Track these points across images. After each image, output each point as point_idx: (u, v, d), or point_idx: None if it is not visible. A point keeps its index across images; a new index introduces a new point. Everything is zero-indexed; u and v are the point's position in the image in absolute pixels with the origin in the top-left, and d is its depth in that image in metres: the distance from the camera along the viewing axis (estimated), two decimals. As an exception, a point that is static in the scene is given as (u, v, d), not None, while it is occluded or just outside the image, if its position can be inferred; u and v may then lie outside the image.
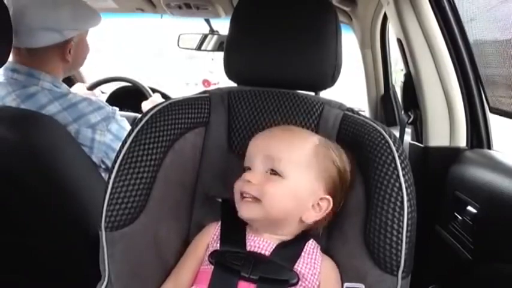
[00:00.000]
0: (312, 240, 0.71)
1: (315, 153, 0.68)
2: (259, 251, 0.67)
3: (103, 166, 1.08)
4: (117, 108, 1.12)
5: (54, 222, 0.94)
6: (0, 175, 0.87)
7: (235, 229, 0.69)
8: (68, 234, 0.96)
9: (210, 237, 0.71)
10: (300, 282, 0.65)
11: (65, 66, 1.10)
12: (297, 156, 0.68)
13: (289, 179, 0.66)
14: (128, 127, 1.12)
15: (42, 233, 0.95)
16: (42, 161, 0.90)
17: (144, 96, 1.81)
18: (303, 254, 0.68)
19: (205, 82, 3.56)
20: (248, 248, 0.68)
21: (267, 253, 0.67)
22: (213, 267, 0.66)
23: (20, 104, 1.00)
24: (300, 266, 0.66)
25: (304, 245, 0.69)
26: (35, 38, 1.00)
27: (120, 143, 1.06)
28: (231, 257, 0.66)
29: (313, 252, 0.69)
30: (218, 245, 0.69)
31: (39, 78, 1.04)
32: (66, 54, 1.08)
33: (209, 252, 0.68)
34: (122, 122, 1.10)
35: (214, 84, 3.40)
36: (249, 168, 0.69)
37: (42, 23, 1.00)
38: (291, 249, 0.68)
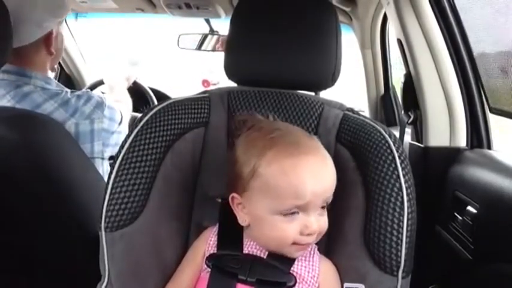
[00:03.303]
0: None
1: None
2: (256, 254, 0.67)
3: (101, 155, 1.10)
4: (104, 96, 1.15)
5: (54, 222, 0.94)
6: None
7: (232, 232, 0.69)
8: (68, 234, 0.96)
9: (206, 243, 0.70)
10: (298, 285, 0.65)
11: (51, 59, 1.12)
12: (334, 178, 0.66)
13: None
14: (115, 106, 1.15)
15: (41, 233, 0.95)
16: (42, 161, 0.90)
17: (144, 97, 1.81)
18: (299, 256, 0.67)
19: (205, 82, 3.55)
20: (245, 251, 0.68)
21: (264, 255, 0.67)
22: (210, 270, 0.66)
23: (16, 104, 1.01)
24: (297, 268, 0.66)
25: None
26: (17, 35, 0.99)
27: (115, 124, 1.11)
28: (228, 260, 0.66)
29: (309, 254, 0.69)
30: (215, 248, 0.69)
31: (30, 76, 1.04)
32: (50, 47, 1.09)
33: (206, 257, 0.68)
34: (111, 104, 1.13)
35: (214, 84, 3.39)
36: (297, 212, 0.62)
37: (21, 19, 1.00)
38: None
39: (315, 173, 0.62)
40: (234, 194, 0.67)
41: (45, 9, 1.06)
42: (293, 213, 0.62)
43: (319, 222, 0.63)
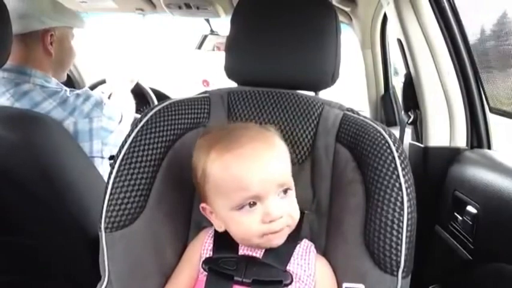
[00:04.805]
0: (304, 240, 0.71)
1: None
2: (251, 254, 0.67)
3: (100, 155, 1.10)
4: (103, 94, 1.16)
5: (54, 223, 0.94)
6: None
7: (227, 234, 0.68)
8: (68, 234, 0.96)
9: (202, 245, 0.70)
10: (295, 284, 0.65)
11: (50, 60, 1.11)
12: (288, 158, 0.67)
13: (292, 185, 0.66)
14: (115, 105, 1.16)
15: (41, 233, 0.95)
16: (41, 161, 0.90)
17: (145, 97, 1.81)
18: (295, 254, 0.67)
19: (205, 82, 3.56)
20: (240, 252, 0.67)
21: (260, 255, 0.67)
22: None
23: (15, 102, 1.01)
24: (293, 267, 0.66)
25: (296, 245, 0.68)
26: (14, 25, 1.00)
27: (114, 123, 1.12)
28: (224, 262, 0.66)
29: (305, 252, 0.69)
30: (211, 252, 0.69)
31: (30, 74, 1.05)
32: (47, 44, 1.09)
33: (202, 260, 0.68)
34: (110, 103, 1.14)
35: (214, 84, 3.39)
36: (254, 203, 0.62)
37: (20, 9, 1.00)
38: (282, 250, 0.67)
39: (259, 161, 0.61)
40: (203, 204, 0.68)
41: (50, 7, 1.07)
42: (250, 205, 0.61)
43: (281, 206, 0.62)
